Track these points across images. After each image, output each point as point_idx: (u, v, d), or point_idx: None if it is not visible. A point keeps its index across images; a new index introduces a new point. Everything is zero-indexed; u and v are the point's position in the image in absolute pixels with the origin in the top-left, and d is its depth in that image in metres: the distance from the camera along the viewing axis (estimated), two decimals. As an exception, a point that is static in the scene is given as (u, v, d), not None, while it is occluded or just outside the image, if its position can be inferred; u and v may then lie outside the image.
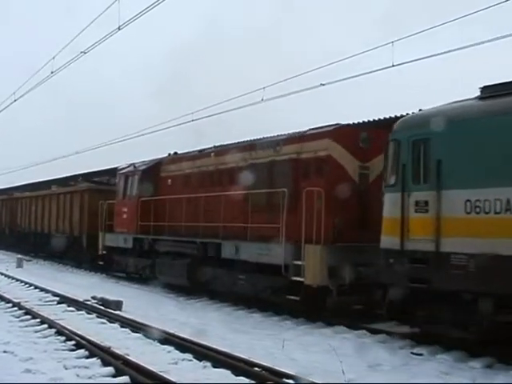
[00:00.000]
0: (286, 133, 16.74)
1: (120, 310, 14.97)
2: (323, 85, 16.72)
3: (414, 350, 11.00)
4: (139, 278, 22.14)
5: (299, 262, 13.65)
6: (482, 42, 12.81)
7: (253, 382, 8.42)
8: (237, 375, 8.73)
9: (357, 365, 9.64)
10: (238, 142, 18.68)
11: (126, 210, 22.61)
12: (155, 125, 26.27)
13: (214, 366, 9.27)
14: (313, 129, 14.99)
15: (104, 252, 24.43)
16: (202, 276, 17.63)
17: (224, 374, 8.88)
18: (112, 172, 32.27)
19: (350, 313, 13.85)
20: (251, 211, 15.68)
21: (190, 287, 18.39)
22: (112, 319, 13.50)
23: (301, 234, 13.69)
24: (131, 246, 21.87)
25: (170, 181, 20.64)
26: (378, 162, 13.81)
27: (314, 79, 17.14)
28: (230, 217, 16.60)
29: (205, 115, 22.17)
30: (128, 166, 23.47)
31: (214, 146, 19.57)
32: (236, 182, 16.58)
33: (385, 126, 14.52)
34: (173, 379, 8.22)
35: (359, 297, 13.46)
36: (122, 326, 12.71)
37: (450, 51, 13.47)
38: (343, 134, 14.48)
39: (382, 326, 12.80)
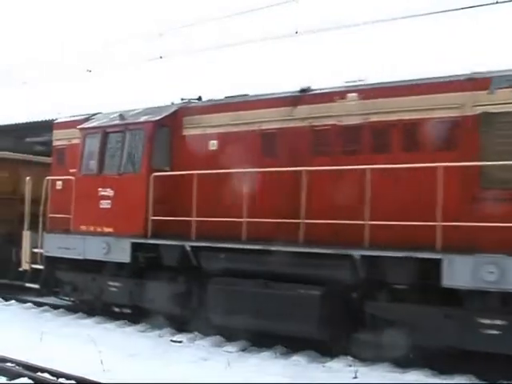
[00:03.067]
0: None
1: None
2: (90, 71, 16.54)
3: (174, 338, 11.29)
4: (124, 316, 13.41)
5: None
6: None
7: (5, 378, 8.09)
8: (-12, 373, 8.31)
9: (117, 354, 9.63)
10: (431, 77, 9.85)
11: (109, 193, 13.08)
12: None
13: (-39, 368, 8.71)
14: None
15: (33, 266, 14.50)
16: (373, 322, 9.30)
17: (-27, 373, 8.39)
18: None
19: None
20: None
21: (330, 341, 9.89)
22: None
23: None
24: (128, 259, 12.44)
25: (214, 142, 12.09)
26: None
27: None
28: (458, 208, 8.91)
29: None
30: (90, 118, 14.22)
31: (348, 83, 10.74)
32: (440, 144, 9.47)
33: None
34: None
35: None
36: None
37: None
38: None
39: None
